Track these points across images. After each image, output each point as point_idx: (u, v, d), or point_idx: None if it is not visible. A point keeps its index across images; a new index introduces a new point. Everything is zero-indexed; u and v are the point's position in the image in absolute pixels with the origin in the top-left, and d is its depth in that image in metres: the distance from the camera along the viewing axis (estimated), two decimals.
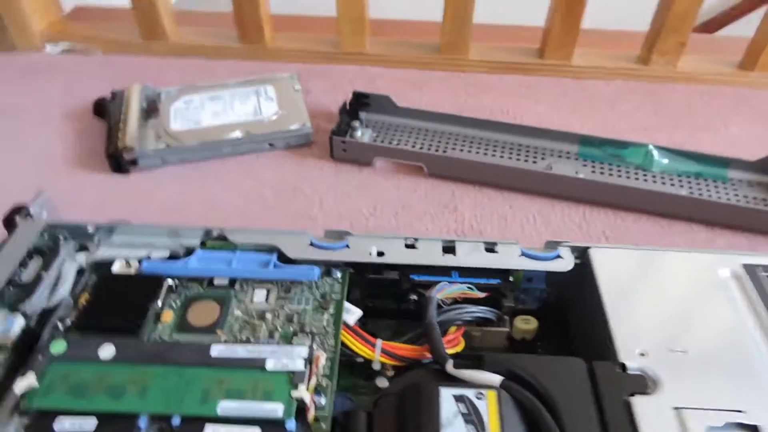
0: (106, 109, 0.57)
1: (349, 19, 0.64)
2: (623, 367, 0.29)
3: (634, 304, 0.32)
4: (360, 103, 0.57)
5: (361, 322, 0.33)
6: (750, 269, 0.34)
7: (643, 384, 0.28)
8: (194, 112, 0.56)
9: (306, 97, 0.59)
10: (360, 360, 0.33)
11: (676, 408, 0.27)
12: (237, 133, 0.54)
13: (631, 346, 0.30)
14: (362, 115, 0.57)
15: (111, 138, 0.53)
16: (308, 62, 0.67)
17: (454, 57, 0.66)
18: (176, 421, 0.27)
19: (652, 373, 0.28)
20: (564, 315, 0.38)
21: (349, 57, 0.66)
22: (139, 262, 0.34)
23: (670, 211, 0.49)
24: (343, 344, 0.32)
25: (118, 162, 0.51)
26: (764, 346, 0.30)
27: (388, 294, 0.36)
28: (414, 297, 0.36)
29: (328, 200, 0.51)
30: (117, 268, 0.34)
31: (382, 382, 0.33)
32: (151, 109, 0.57)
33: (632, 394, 0.27)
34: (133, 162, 0.52)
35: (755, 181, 0.51)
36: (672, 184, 0.50)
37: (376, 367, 0.32)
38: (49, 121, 0.59)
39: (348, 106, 0.56)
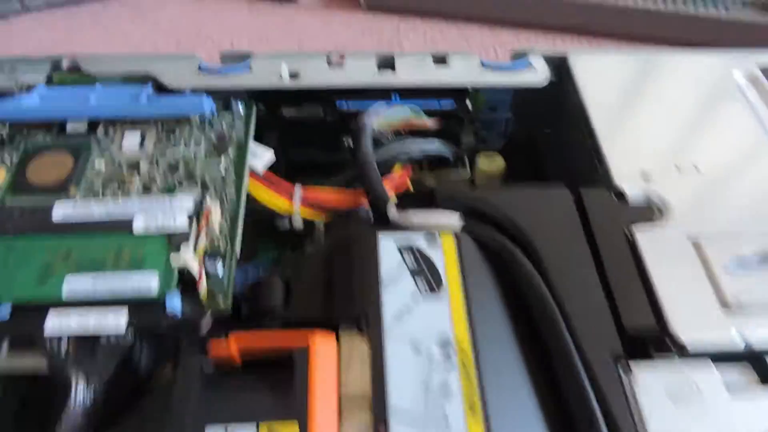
0: None
1: None
2: (620, 194, 0.22)
3: (628, 117, 0.24)
4: None
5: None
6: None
7: (647, 212, 0.21)
8: None
9: None
10: (285, 226, 0.25)
11: (691, 237, 0.20)
12: None
13: (629, 168, 0.22)
14: None
15: None
16: None
17: None
18: (4, 311, 0.19)
19: (657, 197, 0.22)
20: (536, 150, 0.30)
21: None
22: None
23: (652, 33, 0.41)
24: (251, 197, 0.24)
25: None
26: None
27: (314, 139, 0.28)
28: (348, 140, 0.27)
29: (242, 45, 0.41)
30: None
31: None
32: None
33: (634, 225, 0.21)
34: None
35: None
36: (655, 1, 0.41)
37: (298, 224, 0.24)
38: None
39: None
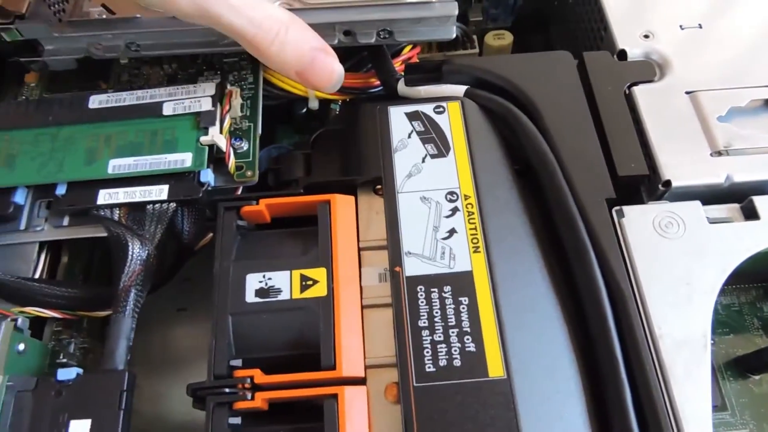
0: None
1: None
2: (622, 55, 0.22)
3: None
4: None
5: None
6: None
7: (647, 70, 0.22)
8: None
9: None
10: (301, 111, 0.27)
11: (690, 92, 0.21)
12: None
13: (632, 28, 0.23)
14: None
15: None
16: None
17: None
18: (61, 189, 0.21)
19: (658, 57, 0.22)
20: (545, 27, 0.30)
21: None
22: None
23: None
24: (267, 83, 0.25)
25: None
26: None
27: None
28: None
29: None
30: None
31: None
32: None
33: (634, 84, 0.21)
34: None
35: None
36: None
37: (314, 105, 0.26)
38: None
39: None
